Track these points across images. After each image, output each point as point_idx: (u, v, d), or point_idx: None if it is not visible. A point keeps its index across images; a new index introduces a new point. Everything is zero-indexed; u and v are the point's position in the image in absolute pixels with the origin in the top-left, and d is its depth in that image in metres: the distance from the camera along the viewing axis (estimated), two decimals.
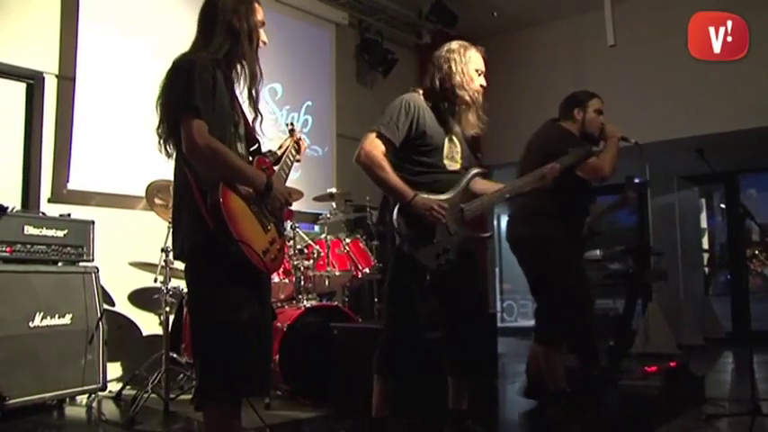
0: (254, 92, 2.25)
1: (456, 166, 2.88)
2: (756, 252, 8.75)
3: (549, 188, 3.07)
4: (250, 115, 2.30)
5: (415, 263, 2.69)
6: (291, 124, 2.61)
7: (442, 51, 2.92)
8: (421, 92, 2.89)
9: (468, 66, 2.85)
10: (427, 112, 2.81)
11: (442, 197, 2.75)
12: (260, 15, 2.27)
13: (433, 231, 2.69)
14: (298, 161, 2.50)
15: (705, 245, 9.66)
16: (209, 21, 2.22)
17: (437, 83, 2.86)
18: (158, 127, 2.17)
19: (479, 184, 2.92)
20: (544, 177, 2.91)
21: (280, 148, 2.51)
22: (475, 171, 2.91)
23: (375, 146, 2.71)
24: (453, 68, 2.83)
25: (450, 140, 2.87)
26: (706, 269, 8.96)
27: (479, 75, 2.89)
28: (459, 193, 2.82)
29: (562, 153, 3.18)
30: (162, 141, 2.17)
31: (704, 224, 9.81)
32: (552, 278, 3.39)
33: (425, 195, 2.69)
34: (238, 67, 2.23)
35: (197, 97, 2.01)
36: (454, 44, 2.91)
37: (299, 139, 2.54)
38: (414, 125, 2.77)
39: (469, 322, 2.85)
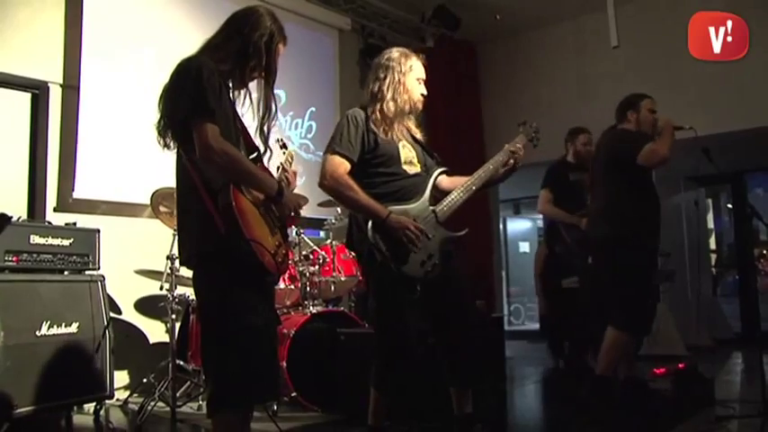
0: (266, 128, 2.27)
1: (416, 170, 2.84)
2: (765, 252, 8.69)
3: (624, 183, 3.45)
4: (258, 142, 2.31)
5: (402, 276, 2.63)
6: (282, 140, 2.57)
7: (381, 60, 2.87)
8: (361, 106, 2.85)
9: (407, 75, 2.81)
10: (373, 124, 2.78)
11: (412, 205, 2.72)
12: (280, 53, 2.28)
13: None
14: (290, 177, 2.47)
15: (712, 245, 9.62)
16: (231, 28, 2.24)
17: (377, 91, 2.81)
18: (158, 123, 2.17)
19: (446, 182, 2.90)
20: (514, 153, 2.92)
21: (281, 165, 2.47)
22: (438, 171, 2.89)
23: (337, 165, 2.67)
24: (389, 77, 2.80)
25: (404, 146, 2.84)
26: (714, 270, 8.91)
27: (420, 83, 2.86)
28: (428, 197, 2.79)
29: (633, 150, 3.47)
30: (160, 135, 2.17)
31: (711, 225, 9.77)
32: (642, 275, 3.58)
33: (397, 208, 2.66)
34: (234, 83, 2.24)
35: (210, 101, 2.01)
36: (395, 52, 2.87)
37: (292, 154, 2.51)
38: (365, 138, 2.74)
39: (460, 328, 2.79)
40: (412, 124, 2.92)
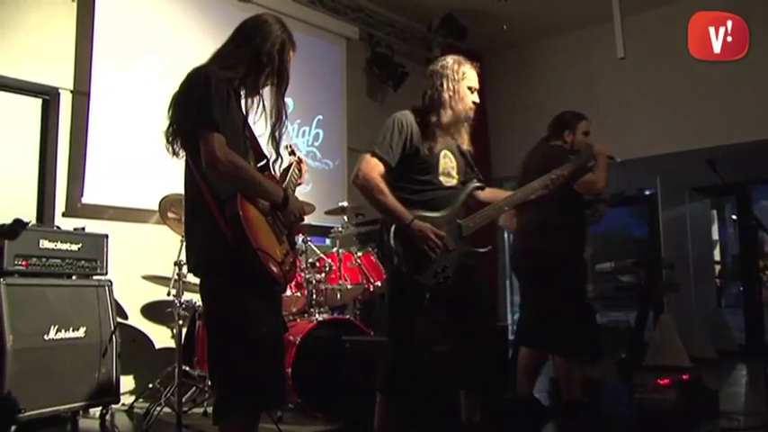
0: (277, 134, 2.29)
1: (453, 182, 2.85)
2: None
3: (556, 202, 3.18)
4: (267, 150, 2.33)
5: (413, 282, 2.67)
6: (291, 147, 2.60)
7: (436, 66, 2.88)
8: (411, 109, 2.84)
9: (460, 83, 2.82)
10: (420, 129, 2.78)
11: (438, 215, 2.73)
12: (291, 60, 2.33)
13: None
14: (299, 184, 2.50)
15: (717, 257, 9.59)
16: (242, 36, 2.27)
17: (428, 99, 2.83)
18: (167, 131, 2.20)
19: (484, 194, 2.91)
20: (548, 186, 2.93)
21: (285, 170, 2.50)
22: (473, 185, 2.90)
23: (372, 167, 2.69)
24: (445, 85, 2.80)
25: (446, 156, 2.84)
26: (718, 281, 8.89)
27: (472, 92, 2.86)
28: (457, 209, 2.80)
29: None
30: (169, 143, 2.20)
31: (716, 236, 9.75)
32: (570, 292, 3.48)
33: (423, 214, 2.68)
34: (246, 91, 2.27)
35: (215, 111, 2.04)
36: (449, 59, 2.89)
37: (301, 160, 2.54)
38: (407, 143, 2.74)
39: (479, 337, 2.82)
40: (465, 133, 2.90)
